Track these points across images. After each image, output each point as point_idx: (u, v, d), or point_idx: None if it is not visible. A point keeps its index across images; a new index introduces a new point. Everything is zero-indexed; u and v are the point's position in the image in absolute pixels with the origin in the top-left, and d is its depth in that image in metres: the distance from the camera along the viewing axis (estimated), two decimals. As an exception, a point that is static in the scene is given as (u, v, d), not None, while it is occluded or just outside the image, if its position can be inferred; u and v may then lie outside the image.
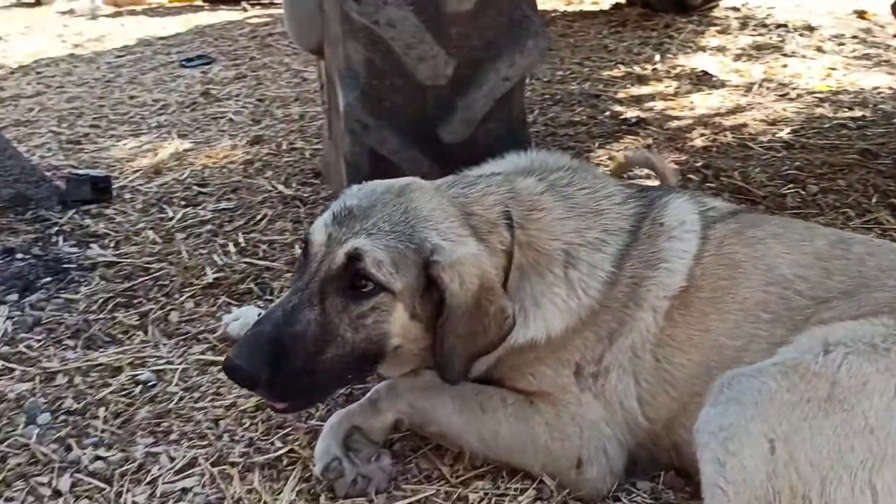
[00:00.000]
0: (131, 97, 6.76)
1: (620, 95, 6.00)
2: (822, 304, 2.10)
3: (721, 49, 7.08)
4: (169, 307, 3.11)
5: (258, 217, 3.93)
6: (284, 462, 2.25)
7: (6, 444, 2.35)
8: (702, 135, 4.96)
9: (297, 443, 2.29)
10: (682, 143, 4.84)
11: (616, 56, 7.27)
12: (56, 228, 3.78)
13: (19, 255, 3.49)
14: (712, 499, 1.80)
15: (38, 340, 2.90)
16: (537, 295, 2.17)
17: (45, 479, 2.21)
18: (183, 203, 4.18)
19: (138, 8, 12.80)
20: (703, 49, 7.08)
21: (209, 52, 8.34)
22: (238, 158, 4.89)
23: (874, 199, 3.86)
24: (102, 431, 2.40)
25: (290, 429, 2.37)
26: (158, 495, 2.16)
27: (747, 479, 1.77)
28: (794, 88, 5.98)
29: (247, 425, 2.42)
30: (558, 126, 5.25)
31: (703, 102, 5.73)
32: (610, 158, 4.63)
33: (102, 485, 2.19)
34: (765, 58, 6.81)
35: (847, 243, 2.26)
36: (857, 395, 1.80)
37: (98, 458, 2.29)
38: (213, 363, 2.75)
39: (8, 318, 3.03)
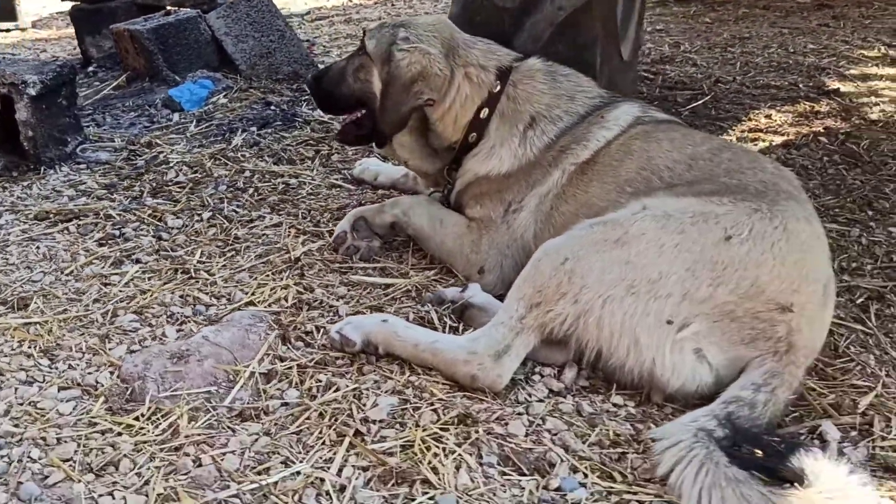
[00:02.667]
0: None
1: (851, 72, 6.02)
2: (671, 188, 2.69)
3: None
4: (336, 152, 4.43)
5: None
6: (326, 237, 3.43)
7: (195, 195, 3.85)
8: (883, 111, 5.00)
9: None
10: (852, 114, 4.95)
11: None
12: (307, 98, 5.31)
13: (272, 107, 5.08)
14: (514, 284, 2.57)
15: (251, 153, 4.40)
16: (503, 138, 3.05)
17: (199, 213, 3.65)
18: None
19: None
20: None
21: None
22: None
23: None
24: (246, 200, 3.78)
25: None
26: (252, 231, 3.47)
27: (535, 275, 2.49)
28: None
29: (326, 218, 3.62)
30: (752, 87, 5.58)
31: (934, 89, 5.58)
32: (767, 117, 4.96)
33: (225, 222, 3.56)
34: None
35: (722, 150, 2.76)
36: (634, 239, 2.42)
37: (234, 210, 3.68)
38: (338, 186, 4.00)
39: (242, 138, 4.59)
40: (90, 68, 6.32)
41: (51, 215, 3.66)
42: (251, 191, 3.88)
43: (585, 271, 2.43)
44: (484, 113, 3.05)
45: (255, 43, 5.53)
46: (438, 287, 2.96)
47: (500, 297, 2.89)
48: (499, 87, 3.06)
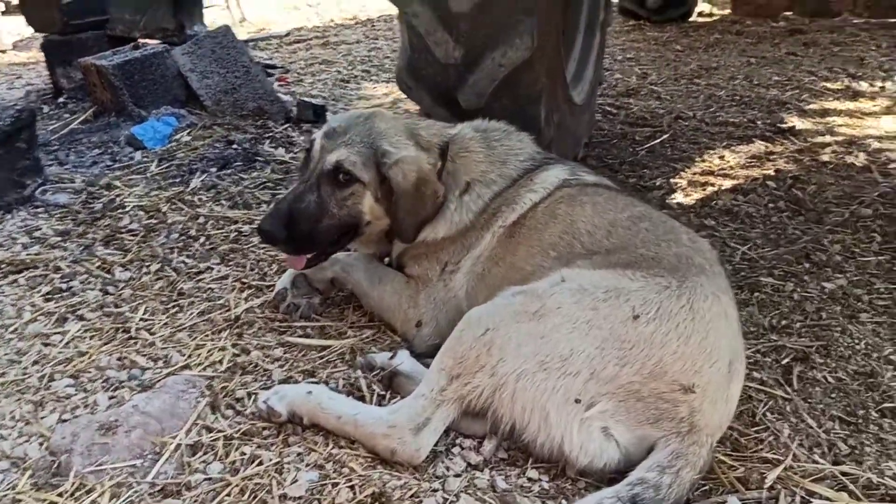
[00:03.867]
0: (413, 52, 8.31)
1: (811, 107, 6.10)
2: (591, 254, 2.76)
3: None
4: (292, 195, 4.48)
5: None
6: (269, 292, 3.48)
7: (147, 243, 3.91)
8: (834, 152, 5.07)
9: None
10: (805, 155, 5.02)
11: (861, 70, 7.13)
12: (270, 135, 5.38)
13: (234, 146, 5.14)
14: (438, 354, 2.63)
15: (207, 196, 4.46)
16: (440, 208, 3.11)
17: (148, 265, 3.70)
18: (365, 133, 5.54)
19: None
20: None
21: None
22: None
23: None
24: (196, 250, 3.84)
25: (287, 273, 3.59)
26: (198, 285, 3.53)
27: (457, 345, 2.54)
28: None
29: (273, 270, 3.68)
30: (711, 124, 5.65)
31: (888, 125, 5.66)
32: (721, 158, 5.03)
33: (173, 275, 3.62)
34: None
35: (641, 219, 2.83)
36: (550, 313, 2.48)
37: (183, 261, 3.73)
38: (289, 232, 4.05)
39: (201, 180, 4.65)
40: (60, 99, 6.38)
41: (2, 266, 3.71)
42: (203, 239, 3.94)
43: (504, 343, 2.48)
44: None
45: (220, 79, 5.59)
46: (372, 351, 3.02)
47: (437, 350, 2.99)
48: (440, 164, 3.11)
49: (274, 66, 7.70)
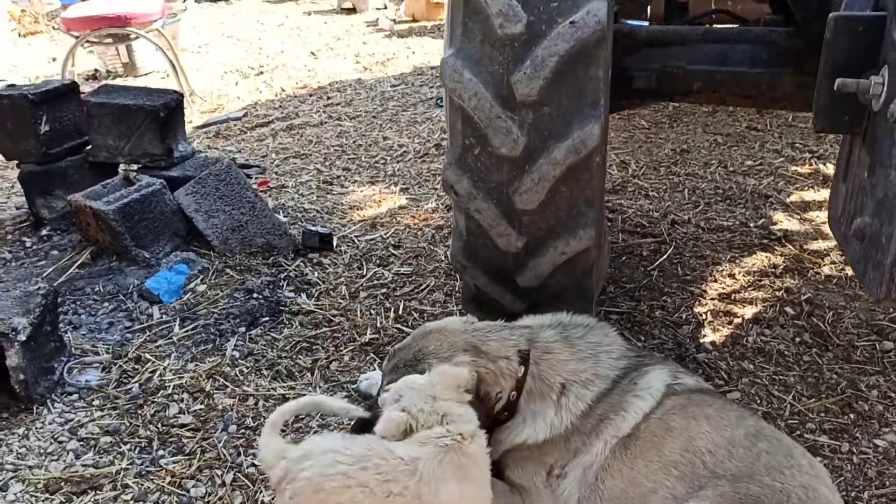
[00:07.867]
0: (384, 138, 8.33)
1: (792, 198, 6.39)
2: (715, 478, 2.87)
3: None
4: (333, 358, 4.47)
5: (423, 286, 5.19)
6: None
7: (207, 441, 3.84)
8: (833, 262, 5.36)
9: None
10: (808, 268, 5.29)
11: (821, 146, 7.49)
12: (284, 274, 5.33)
13: (255, 295, 5.07)
14: None
15: (248, 367, 4.40)
16: (536, 411, 3.18)
17: (219, 473, 3.64)
18: (377, 262, 5.55)
19: (428, 24, 14.61)
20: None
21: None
22: (433, 222, 6.19)
23: (942, 369, 4.22)
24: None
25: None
26: (277, 498, 3.50)
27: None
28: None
29: (345, 462, 3.68)
30: (707, 230, 5.87)
31: (868, 220, 5.99)
32: (731, 276, 5.25)
33: (249, 484, 3.58)
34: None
35: (757, 437, 2.96)
36: (686, 559, 2.62)
37: (253, 465, 3.69)
38: (345, 409, 4.05)
39: (234, 346, 4.58)
40: (43, 232, 6.14)
41: (62, 484, 3.59)
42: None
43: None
44: (513, 395, 3.18)
45: (227, 217, 5.50)
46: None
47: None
48: (522, 371, 3.19)
49: (249, 166, 7.58)
